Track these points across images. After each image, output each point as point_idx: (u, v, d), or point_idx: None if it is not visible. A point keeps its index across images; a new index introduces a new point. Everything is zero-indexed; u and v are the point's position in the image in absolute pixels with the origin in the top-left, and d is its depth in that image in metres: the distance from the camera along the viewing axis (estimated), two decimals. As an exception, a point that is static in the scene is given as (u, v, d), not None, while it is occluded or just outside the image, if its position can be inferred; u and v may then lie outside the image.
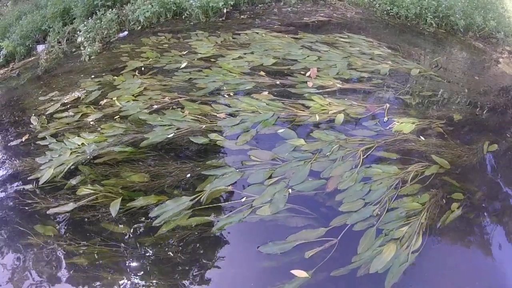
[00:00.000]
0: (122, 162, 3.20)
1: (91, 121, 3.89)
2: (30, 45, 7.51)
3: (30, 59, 7.30)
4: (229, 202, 2.71)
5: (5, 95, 6.07)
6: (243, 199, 2.66)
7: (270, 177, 2.77)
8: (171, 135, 3.22)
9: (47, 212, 2.97)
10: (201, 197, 2.68)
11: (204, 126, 3.25)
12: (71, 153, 3.49)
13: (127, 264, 2.53)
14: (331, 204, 2.62)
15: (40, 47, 7.17)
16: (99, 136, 3.54)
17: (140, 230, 2.72)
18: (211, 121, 3.31)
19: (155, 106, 3.66)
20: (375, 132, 3.23)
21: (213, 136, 3.11)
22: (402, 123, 3.32)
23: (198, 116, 3.38)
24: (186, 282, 2.38)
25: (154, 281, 2.38)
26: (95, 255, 2.58)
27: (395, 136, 3.15)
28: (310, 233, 2.43)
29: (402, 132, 3.18)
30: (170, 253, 2.50)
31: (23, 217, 3.12)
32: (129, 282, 2.43)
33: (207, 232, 2.56)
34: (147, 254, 2.54)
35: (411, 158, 2.96)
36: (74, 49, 6.24)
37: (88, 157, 3.35)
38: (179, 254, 2.49)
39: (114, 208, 2.77)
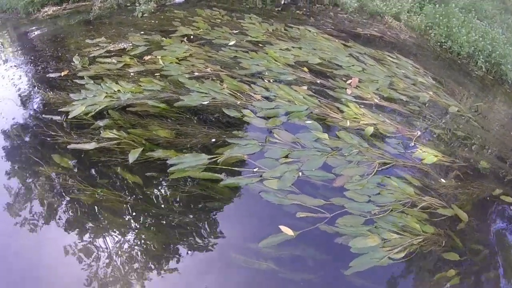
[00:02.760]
0: (152, 116, 3.29)
1: (132, 72, 3.99)
2: None
3: (83, 3, 7.50)
4: (242, 168, 2.81)
5: (52, 31, 6.27)
6: (255, 169, 2.74)
7: (286, 157, 2.86)
8: (206, 102, 3.30)
9: (68, 146, 3.07)
10: (218, 159, 2.75)
11: (239, 102, 3.32)
12: (105, 96, 3.60)
13: (128, 211, 2.62)
14: (337, 190, 2.70)
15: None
16: (137, 87, 3.64)
17: (150, 182, 2.80)
18: (247, 100, 3.37)
19: (196, 74, 3.73)
20: (398, 152, 3.23)
21: (246, 112, 3.17)
22: (425, 152, 3.29)
23: (236, 92, 3.45)
24: (182, 234, 2.46)
25: (149, 233, 2.46)
26: (100, 196, 2.66)
27: (415, 163, 3.14)
28: (309, 199, 2.57)
29: (423, 161, 3.16)
30: (174, 207, 2.59)
31: (43, 146, 3.26)
32: (124, 228, 2.51)
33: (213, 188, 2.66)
34: (150, 205, 2.62)
35: (426, 189, 2.94)
36: (129, 4, 6.39)
37: (122, 103, 3.45)
38: (181, 208, 2.57)
39: (133, 155, 2.86)
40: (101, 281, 2.23)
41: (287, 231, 2.41)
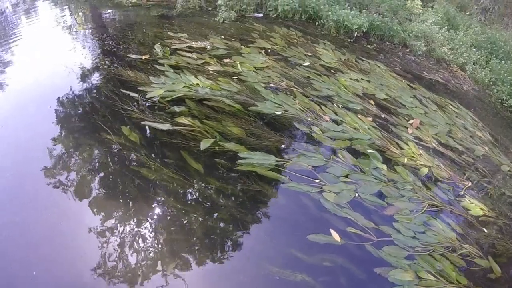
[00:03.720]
0: (227, 113, 3.60)
1: (211, 70, 4.33)
2: None
3: None
4: (305, 177, 3.03)
5: (134, 18, 6.78)
6: (317, 180, 2.97)
7: (346, 176, 3.09)
8: (279, 113, 3.56)
9: (142, 122, 3.43)
10: (285, 164, 3.01)
11: (309, 119, 3.56)
12: (184, 86, 3.94)
13: (186, 195, 2.90)
14: (386, 218, 2.88)
15: None
16: (215, 85, 3.96)
17: (211, 171, 3.07)
18: (316, 118, 3.61)
19: (271, 85, 4.01)
20: (447, 197, 3.36)
21: (315, 129, 3.41)
22: (472, 204, 3.40)
23: (307, 110, 3.69)
24: (234, 226, 2.72)
25: (199, 218, 2.72)
26: (163, 175, 2.96)
27: (461, 211, 3.26)
28: (360, 219, 2.84)
29: (470, 211, 3.28)
30: (229, 199, 2.88)
31: (115, 117, 3.62)
32: (175, 208, 2.79)
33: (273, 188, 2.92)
34: (208, 193, 2.89)
35: (467, 237, 3.05)
36: (210, 8, 6.83)
37: (199, 96, 3.78)
38: (237, 201, 2.87)
39: (205, 144, 3.17)
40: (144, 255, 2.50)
41: (336, 236, 2.65)
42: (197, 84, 3.96)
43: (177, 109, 3.63)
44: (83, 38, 6.42)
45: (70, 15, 11.46)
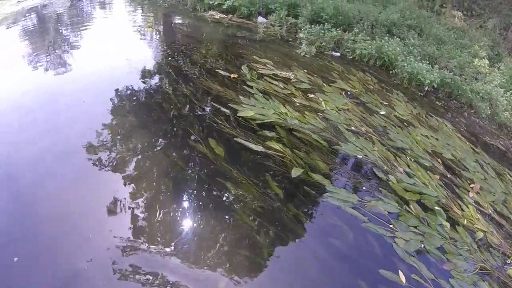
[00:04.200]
0: (314, 147, 4.04)
1: (298, 103, 4.81)
2: (252, 12, 8.90)
3: (248, 22, 8.65)
4: (380, 220, 3.41)
5: (219, 34, 7.39)
6: (391, 226, 3.38)
7: (415, 227, 3.46)
8: (360, 156, 3.98)
9: (235, 139, 4.00)
10: (366, 205, 3.44)
11: (385, 167, 3.96)
12: (273, 113, 4.43)
13: (264, 214, 3.31)
14: (444, 272, 3.22)
15: (260, 19, 8.51)
16: (302, 117, 4.44)
17: (292, 199, 3.50)
18: (391, 168, 4.01)
19: (353, 128, 4.45)
20: (496, 263, 3.66)
21: (391, 177, 3.81)
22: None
23: (383, 157, 4.10)
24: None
25: (279, 240, 3.15)
26: (246, 192, 3.45)
27: (507, 279, 3.56)
28: (424, 269, 3.15)
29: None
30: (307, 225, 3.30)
31: (204, 128, 4.21)
32: (255, 230, 3.19)
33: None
34: (284, 217, 3.31)
35: None
36: (290, 39, 7.36)
37: (288, 125, 4.26)
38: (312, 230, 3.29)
39: (296, 172, 3.63)
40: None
41: (402, 277, 2.99)
42: (286, 113, 4.44)
43: (268, 133, 4.11)
44: (158, 41, 7.04)
45: (142, 14, 12.38)
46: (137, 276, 2.73)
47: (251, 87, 4.99)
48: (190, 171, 3.70)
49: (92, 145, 3.98)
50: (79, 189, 3.42)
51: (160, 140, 4.16)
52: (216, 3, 9.65)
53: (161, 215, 3.29)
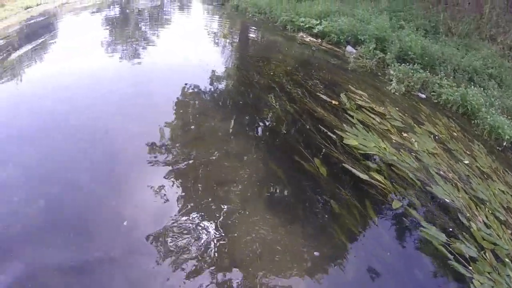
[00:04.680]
0: (409, 183, 4.67)
1: (394, 140, 5.45)
2: (341, 40, 9.54)
3: (336, 48, 9.35)
4: (461, 260, 3.93)
5: (311, 57, 8.11)
6: (470, 267, 3.91)
7: (488, 273, 3.90)
8: (448, 201, 4.58)
9: (343, 164, 4.70)
10: (451, 245, 4.00)
11: (468, 214, 4.53)
12: (374, 146, 5.09)
13: (356, 239, 3.91)
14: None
15: (349, 48, 9.17)
16: (398, 155, 5.07)
17: (389, 227, 4.12)
18: (472, 216, 4.57)
19: (441, 172, 5.04)
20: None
21: (472, 224, 4.38)
22: None
23: (466, 205, 4.67)
24: None
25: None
26: (347, 212, 4.08)
27: None
28: None
29: None
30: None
31: (311, 148, 4.92)
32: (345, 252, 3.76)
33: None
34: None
35: None
36: (379, 73, 7.98)
37: (387, 160, 4.91)
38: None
39: (395, 205, 4.26)
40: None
41: None
42: (385, 148, 5.10)
43: (370, 164, 4.79)
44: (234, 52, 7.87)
45: (219, 20, 13.40)
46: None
47: (352, 116, 5.68)
48: (290, 183, 4.40)
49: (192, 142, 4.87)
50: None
51: (266, 150, 4.96)
52: (307, 26, 10.40)
53: (253, 220, 3.87)
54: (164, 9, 17.99)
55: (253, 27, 11.83)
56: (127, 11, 19.14)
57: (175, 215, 3.80)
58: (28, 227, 3.56)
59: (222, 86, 7.23)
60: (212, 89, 6.95)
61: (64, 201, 3.92)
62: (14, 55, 8.47)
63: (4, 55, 8.51)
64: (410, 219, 4.21)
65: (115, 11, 19.94)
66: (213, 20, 13.89)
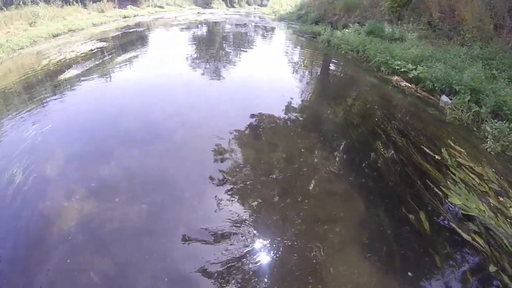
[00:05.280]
0: (504, 250, 5.19)
1: (492, 203, 5.96)
2: (436, 87, 9.86)
3: (430, 96, 9.72)
4: None
5: (406, 103, 8.64)
6: None
7: None
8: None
9: (446, 222, 5.23)
10: None
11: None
12: (475, 207, 5.61)
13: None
14: None
15: (444, 98, 9.47)
16: (496, 219, 5.59)
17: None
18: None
19: None
20: None
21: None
22: None
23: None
24: None
25: None
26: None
27: None
28: None
29: None
30: None
31: (416, 200, 5.45)
32: None
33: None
34: None
35: None
36: (474, 128, 8.36)
37: (486, 223, 5.44)
38: None
39: (492, 268, 4.74)
40: None
41: None
42: (484, 211, 5.66)
43: (472, 225, 5.37)
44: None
45: (293, 50, 14.32)
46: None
47: (454, 174, 6.25)
48: (392, 233, 4.84)
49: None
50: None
51: (370, 195, 5.52)
52: (402, 69, 10.84)
53: (349, 265, 4.16)
54: (250, 34, 19.32)
55: (347, 65, 12.49)
56: (214, 32, 20.87)
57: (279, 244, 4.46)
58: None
59: (323, 120, 8.08)
60: (313, 122, 7.82)
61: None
62: (114, 57, 10.60)
63: (107, 57, 10.69)
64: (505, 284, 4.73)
65: (202, 31, 21.86)
66: (305, 53, 14.73)
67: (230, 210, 5.06)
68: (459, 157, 6.81)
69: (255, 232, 4.58)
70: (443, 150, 6.81)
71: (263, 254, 4.22)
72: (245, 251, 4.25)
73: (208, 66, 12.00)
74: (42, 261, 4.09)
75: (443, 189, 5.80)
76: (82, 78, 10.56)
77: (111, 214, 4.80)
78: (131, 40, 17.93)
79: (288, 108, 8.60)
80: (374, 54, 11.69)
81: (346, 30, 16.48)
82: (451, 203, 5.60)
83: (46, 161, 6.00)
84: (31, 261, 4.12)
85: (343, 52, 13.58)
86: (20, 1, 22.22)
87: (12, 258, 4.17)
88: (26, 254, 4.22)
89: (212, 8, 54.42)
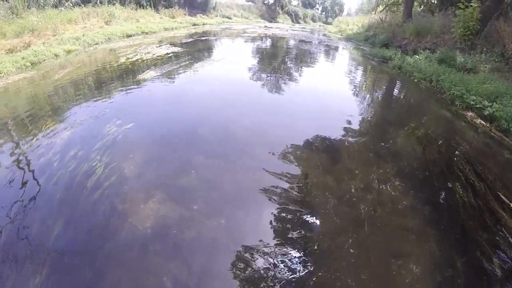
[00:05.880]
0: None
1: None
2: (510, 128, 9.62)
3: (505, 137, 9.53)
4: None
5: (493, 150, 8.54)
6: None
7: None
8: None
9: None
10: None
11: None
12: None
13: None
14: None
15: None
16: None
17: None
18: None
19: None
20: None
21: None
22: None
23: None
24: None
25: None
26: None
27: None
28: None
29: None
30: None
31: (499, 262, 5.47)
32: None
33: None
34: None
35: None
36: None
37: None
38: None
39: None
40: None
41: None
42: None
43: None
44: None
45: (363, 74, 14.45)
46: None
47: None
48: (464, 276, 4.86)
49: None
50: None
51: (446, 236, 5.59)
52: (477, 106, 10.68)
53: None
54: (311, 51, 19.63)
55: (420, 96, 12.47)
56: (277, 46, 21.43)
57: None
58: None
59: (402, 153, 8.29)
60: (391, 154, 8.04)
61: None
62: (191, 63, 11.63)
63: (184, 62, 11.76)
64: None
65: (266, 44, 22.49)
66: (378, 78, 14.81)
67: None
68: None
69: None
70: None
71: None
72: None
73: (268, 79, 12.68)
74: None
75: (517, 240, 5.82)
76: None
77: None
78: (204, 47, 18.92)
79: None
80: (449, 86, 11.42)
81: (417, 56, 16.35)
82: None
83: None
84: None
85: (415, 80, 13.55)
86: (97, 0, 24.07)
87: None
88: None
89: (278, 22, 55.43)
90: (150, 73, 12.01)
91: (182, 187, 6.13)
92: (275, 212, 5.92)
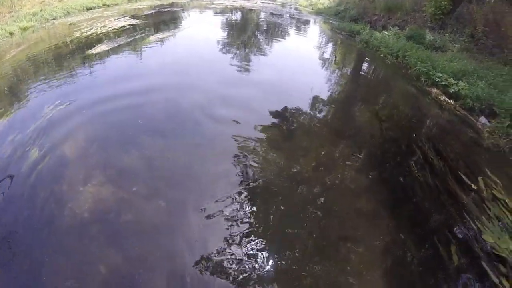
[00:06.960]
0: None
1: None
2: (475, 107, 9.32)
3: (469, 115, 9.20)
4: None
5: (455, 128, 8.21)
6: None
7: None
8: None
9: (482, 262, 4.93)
10: None
11: None
12: (505, 248, 5.25)
13: None
14: None
15: (483, 119, 8.89)
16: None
17: None
18: None
19: None
20: None
21: None
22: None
23: None
24: None
25: None
26: None
27: None
28: None
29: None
30: None
31: (448, 236, 5.17)
32: None
33: None
34: None
35: None
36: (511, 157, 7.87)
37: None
38: None
39: None
40: None
41: None
42: (515, 252, 5.30)
43: (502, 268, 4.86)
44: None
45: (328, 47, 13.97)
46: None
47: (489, 209, 5.88)
48: (417, 261, 4.62)
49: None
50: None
51: (399, 217, 5.29)
52: (443, 83, 10.34)
53: None
54: (283, 26, 18.89)
55: (386, 70, 12.06)
56: (247, 19, 20.51)
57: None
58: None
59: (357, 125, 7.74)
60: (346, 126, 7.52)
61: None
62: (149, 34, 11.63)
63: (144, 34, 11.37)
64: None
65: (236, 17, 21.52)
66: (342, 51, 14.31)
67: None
68: (495, 188, 6.43)
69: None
70: (479, 179, 6.43)
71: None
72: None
73: (237, 52, 11.90)
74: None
75: (478, 225, 5.45)
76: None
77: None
78: (164, 19, 17.84)
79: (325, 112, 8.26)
80: (415, 62, 11.17)
81: (386, 32, 15.87)
82: (484, 240, 5.27)
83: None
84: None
85: (381, 55, 13.07)
86: (57, -29, 22.22)
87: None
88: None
89: (248, -7, 53.47)
90: (101, 47, 11.37)
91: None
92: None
